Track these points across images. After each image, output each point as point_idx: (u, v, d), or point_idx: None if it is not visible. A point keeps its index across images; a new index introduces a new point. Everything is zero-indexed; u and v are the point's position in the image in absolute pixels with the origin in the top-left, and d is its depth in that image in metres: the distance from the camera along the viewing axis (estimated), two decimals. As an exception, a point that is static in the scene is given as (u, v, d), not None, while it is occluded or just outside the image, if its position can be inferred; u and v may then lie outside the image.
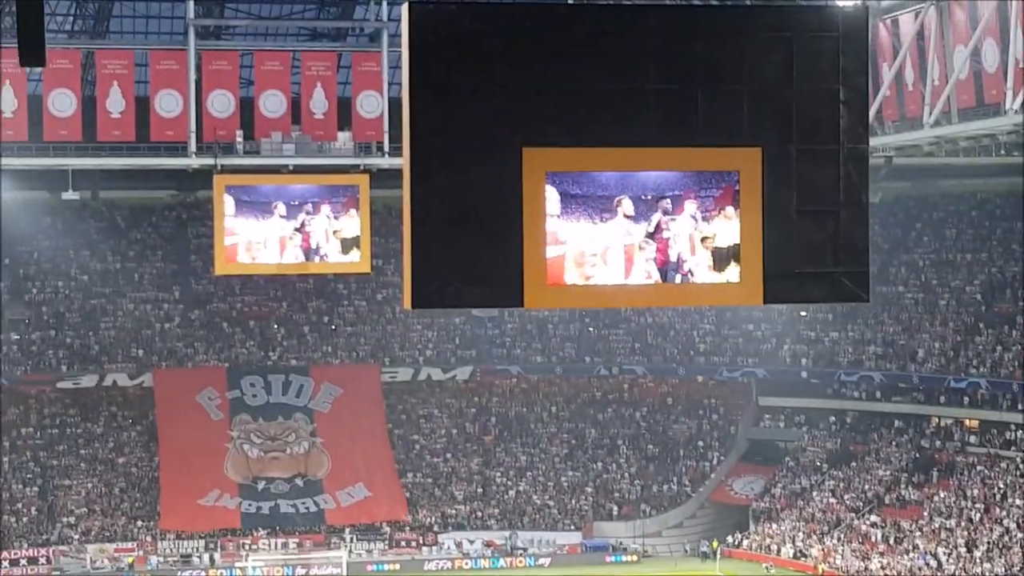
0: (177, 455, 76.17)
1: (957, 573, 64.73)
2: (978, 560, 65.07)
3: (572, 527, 77.04)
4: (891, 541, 69.63)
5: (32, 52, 14.96)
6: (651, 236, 14.03)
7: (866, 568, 67.78)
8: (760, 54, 14.07)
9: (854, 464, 77.84)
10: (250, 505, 74.82)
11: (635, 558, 74.74)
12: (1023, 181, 70.23)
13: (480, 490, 79.25)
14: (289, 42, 73.50)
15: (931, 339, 78.99)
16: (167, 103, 59.88)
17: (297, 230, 42.50)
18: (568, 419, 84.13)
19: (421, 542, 74.71)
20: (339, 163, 58.46)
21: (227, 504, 74.72)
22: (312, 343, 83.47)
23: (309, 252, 42.55)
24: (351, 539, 73.90)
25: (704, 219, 14.10)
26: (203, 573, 71.04)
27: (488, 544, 74.85)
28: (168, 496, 74.78)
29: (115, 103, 59.75)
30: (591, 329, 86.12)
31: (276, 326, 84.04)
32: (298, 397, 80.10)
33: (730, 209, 14.09)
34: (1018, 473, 70.46)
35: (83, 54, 63.43)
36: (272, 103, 61.32)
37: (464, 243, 13.59)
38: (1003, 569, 63.70)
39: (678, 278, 14.14)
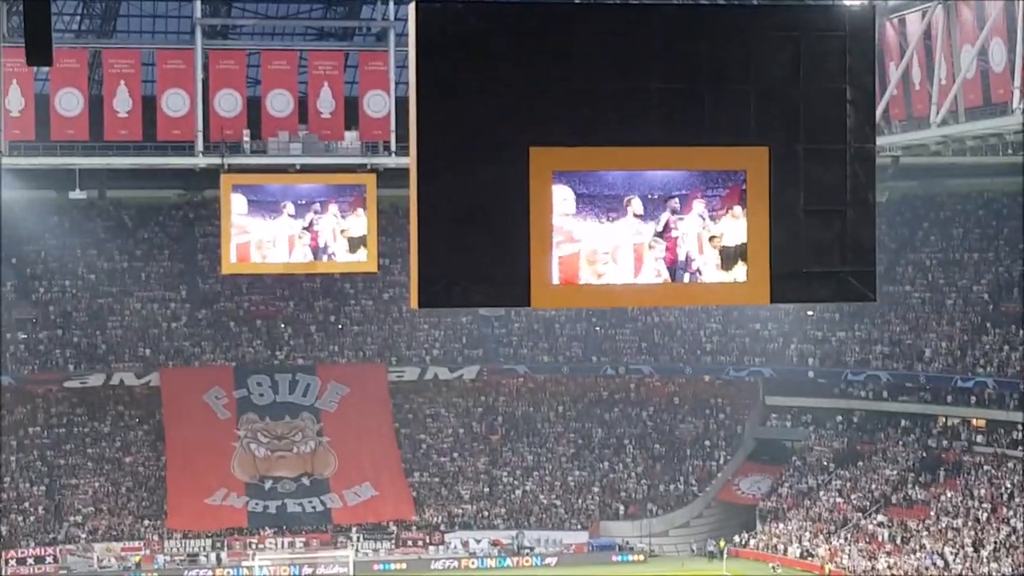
0: (184, 454, 76.21)
1: (964, 573, 64.68)
2: (985, 560, 65.01)
3: (579, 526, 77.04)
4: (898, 541, 69.57)
5: (39, 51, 14.97)
6: (660, 235, 14.05)
7: (873, 568, 67.73)
8: (767, 53, 14.07)
9: (861, 464, 77.79)
10: (257, 504, 74.86)
11: (642, 558, 74.71)
12: (1030, 181, 70.22)
13: (487, 489, 79.26)
14: (296, 41, 73.53)
15: (938, 339, 78.91)
16: (174, 102, 59.96)
17: (306, 229, 42.57)
18: (575, 418, 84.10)
19: (428, 541, 74.72)
20: (346, 162, 58.50)
21: (234, 503, 74.76)
22: (319, 342, 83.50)
23: (317, 251, 42.64)
24: (358, 538, 73.90)
25: (712, 218, 14.11)
26: (210, 572, 71.06)
27: (495, 543, 74.86)
28: (175, 495, 74.82)
29: (122, 102, 59.84)
30: (598, 329, 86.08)
31: (283, 325, 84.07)
32: (305, 396, 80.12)
33: (737, 208, 14.10)
34: (1025, 473, 70.46)
35: (90, 53, 63.55)
36: (279, 102, 61.38)
37: (471, 242, 13.60)
38: (1010, 569, 63.63)
39: (686, 277, 14.16)
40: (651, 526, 77.19)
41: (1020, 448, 72.29)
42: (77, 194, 63.62)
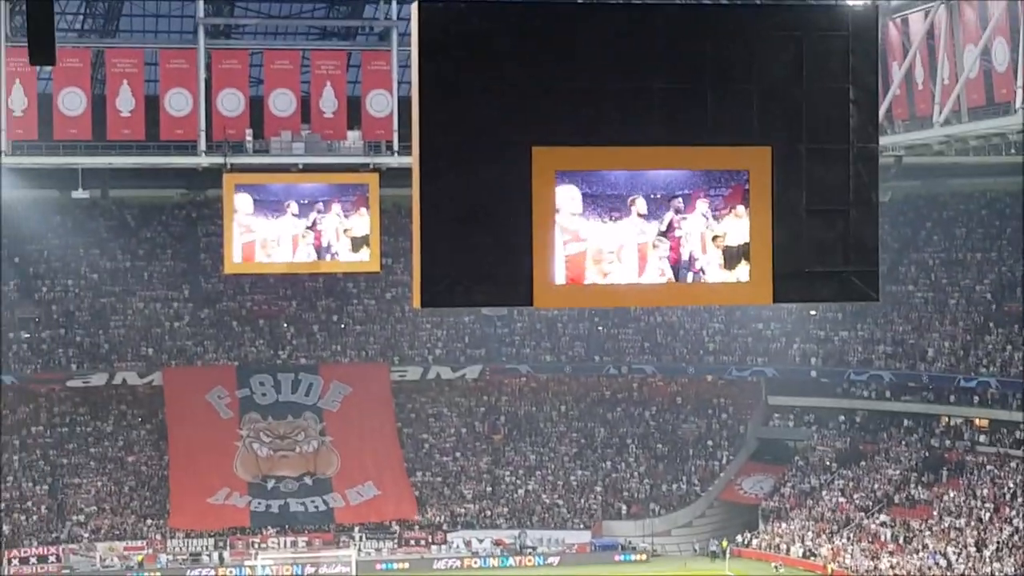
0: (186, 454, 76.26)
1: (967, 572, 64.66)
2: (988, 559, 65.00)
3: (581, 526, 77.04)
4: (901, 540, 69.57)
5: (42, 51, 14.98)
6: (664, 235, 14.05)
7: (875, 568, 67.73)
8: (770, 53, 14.06)
9: (863, 463, 77.78)
10: (259, 504, 74.89)
11: (644, 557, 74.71)
12: (1033, 180, 70.20)
13: (489, 489, 79.27)
14: (299, 41, 73.61)
15: (941, 338, 78.89)
16: (177, 102, 59.98)
17: (309, 228, 42.61)
18: (577, 418, 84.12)
19: (430, 541, 74.73)
20: (349, 162, 58.50)
21: (236, 503, 74.79)
22: (321, 342, 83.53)
23: (321, 250, 42.68)
24: (360, 538, 73.92)
25: (715, 218, 14.11)
26: (212, 571, 71.10)
27: (497, 543, 74.87)
28: (177, 494, 74.85)
29: (125, 102, 59.86)
30: (600, 328, 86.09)
31: (285, 325, 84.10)
32: (307, 396, 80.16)
33: (740, 208, 14.09)
34: (1028, 473, 70.43)
35: (93, 53, 63.57)
36: (282, 102, 61.40)
37: (473, 242, 13.59)
38: (1013, 568, 63.62)
39: (690, 276, 14.17)
40: (653, 526, 77.20)
41: (1023, 448, 72.27)
42: (80, 193, 63.74)
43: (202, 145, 59.67)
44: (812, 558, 71.45)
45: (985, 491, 70.58)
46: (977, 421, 75.90)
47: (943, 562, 66.01)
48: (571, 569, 72.54)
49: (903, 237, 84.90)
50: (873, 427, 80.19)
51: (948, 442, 76.30)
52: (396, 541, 74.50)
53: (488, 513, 77.38)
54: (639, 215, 13.97)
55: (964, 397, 76.18)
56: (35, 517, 73.64)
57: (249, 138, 60.50)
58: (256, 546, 72.51)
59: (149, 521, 74.23)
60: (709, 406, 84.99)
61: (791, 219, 14.19)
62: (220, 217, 47.76)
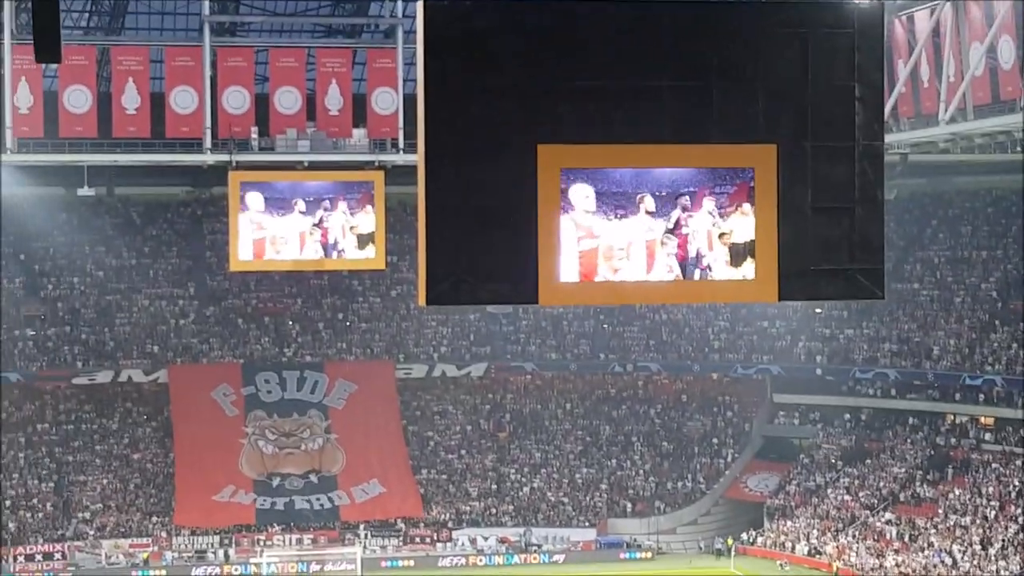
0: (192, 451, 76.27)
1: (972, 571, 64.61)
2: (993, 557, 64.95)
3: (586, 524, 77.01)
4: (906, 538, 69.52)
5: (48, 48, 14.99)
6: (671, 232, 14.07)
7: (881, 565, 67.67)
8: (775, 51, 14.06)
9: (869, 461, 77.73)
10: (265, 501, 74.90)
11: (649, 555, 74.67)
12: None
13: (494, 487, 79.27)
14: (304, 39, 73.60)
15: (946, 336, 78.82)
16: (182, 99, 60.03)
17: (316, 225, 42.72)
18: (582, 416, 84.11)
19: (435, 538, 74.73)
20: (354, 159, 58.51)
21: (242, 500, 74.80)
22: (327, 339, 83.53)
23: (328, 247, 42.79)
24: (365, 535, 73.93)
25: (721, 215, 14.12)
26: (218, 569, 71.14)
27: (502, 541, 74.84)
28: (183, 492, 74.88)
29: (130, 99, 59.91)
30: (606, 326, 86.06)
31: (291, 322, 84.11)
32: (313, 393, 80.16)
33: (747, 206, 14.10)
34: (1033, 471, 70.39)
35: (98, 50, 63.64)
36: (287, 99, 61.42)
37: (479, 240, 13.60)
38: (1018, 567, 63.56)
39: (697, 273, 14.18)
40: (659, 523, 77.18)
41: (1028, 446, 72.28)
42: (86, 191, 63.77)
43: (207, 143, 59.74)
44: (817, 556, 71.39)
45: (990, 489, 70.52)
46: (982, 419, 75.84)
47: (948, 560, 65.96)
48: (576, 567, 72.53)
49: (908, 235, 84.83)
50: (878, 425, 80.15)
51: (953, 440, 76.25)
52: (401, 539, 74.50)
53: (493, 511, 77.37)
54: (647, 212, 13.99)
55: (969, 395, 76.11)
56: (40, 514, 73.68)
57: (255, 136, 60.54)
58: (261, 544, 72.52)
59: (154, 518, 74.26)
60: (714, 404, 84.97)
61: (797, 217, 14.20)
62: (226, 214, 47.88)
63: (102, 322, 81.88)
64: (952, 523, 69.11)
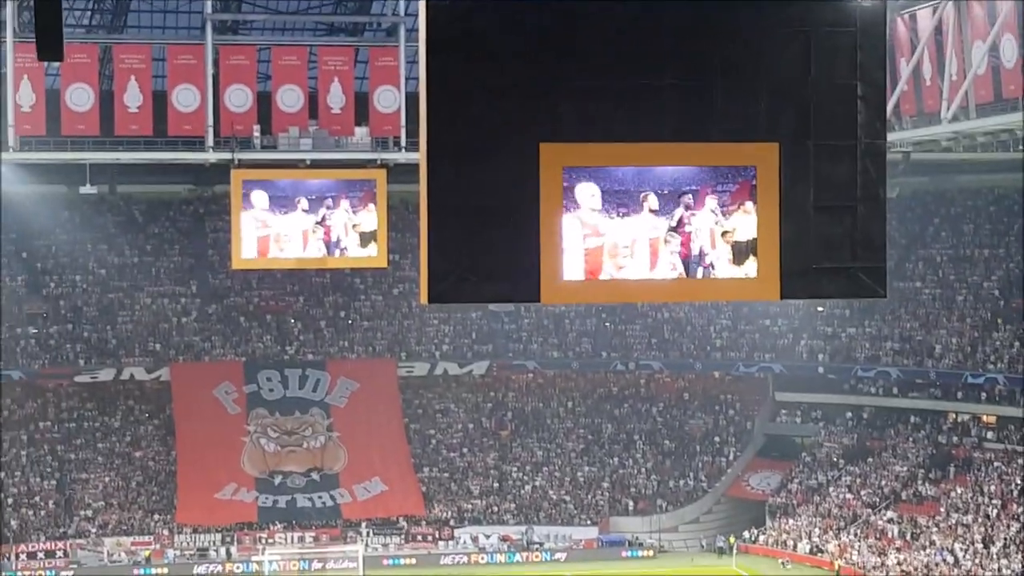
0: (194, 449, 76.29)
1: (974, 569, 64.61)
2: (995, 556, 64.95)
3: (588, 522, 77.03)
4: (908, 537, 69.51)
5: (50, 46, 14.99)
6: (674, 230, 14.08)
7: (882, 564, 67.66)
8: (778, 50, 14.06)
9: (871, 460, 77.73)
10: (267, 499, 74.93)
11: (651, 553, 74.66)
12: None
13: (496, 485, 79.28)
14: (306, 37, 73.61)
15: (948, 335, 78.80)
16: (184, 98, 60.07)
17: (319, 224, 42.77)
18: (584, 414, 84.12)
19: (437, 536, 74.74)
20: (356, 158, 58.53)
21: (244, 498, 74.83)
22: (329, 338, 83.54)
23: (330, 245, 42.86)
24: (367, 533, 73.94)
25: (724, 213, 14.13)
26: (220, 567, 71.14)
27: (504, 539, 74.86)
28: (185, 490, 74.91)
29: (132, 97, 59.96)
30: (607, 324, 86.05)
31: (293, 320, 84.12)
32: (315, 391, 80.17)
33: (749, 204, 14.12)
34: (1035, 469, 70.36)
35: (101, 48, 63.67)
36: (289, 98, 61.47)
37: (481, 238, 13.60)
38: (1020, 565, 63.55)
39: (700, 271, 14.20)
40: (660, 522, 77.17)
41: (1030, 444, 72.26)
42: (88, 189, 63.80)
43: (210, 141, 59.78)
44: (819, 554, 71.39)
45: (992, 487, 70.51)
46: (984, 417, 75.82)
47: (950, 558, 65.95)
48: (578, 565, 72.52)
49: (911, 233, 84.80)
50: (880, 423, 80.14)
51: (955, 438, 76.23)
52: (403, 537, 74.51)
53: (495, 509, 77.40)
54: (650, 211, 14.01)
55: (971, 393, 76.09)
56: (43, 512, 73.72)
57: (257, 134, 60.58)
58: (263, 541, 72.54)
59: (156, 516, 74.30)
60: (716, 402, 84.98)
61: (799, 215, 14.20)
62: (228, 213, 47.90)
63: (104, 320, 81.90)
64: (954, 521, 69.11)
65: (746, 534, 75.40)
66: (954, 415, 77.41)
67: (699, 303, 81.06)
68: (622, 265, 14.04)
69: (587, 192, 13.88)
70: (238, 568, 70.89)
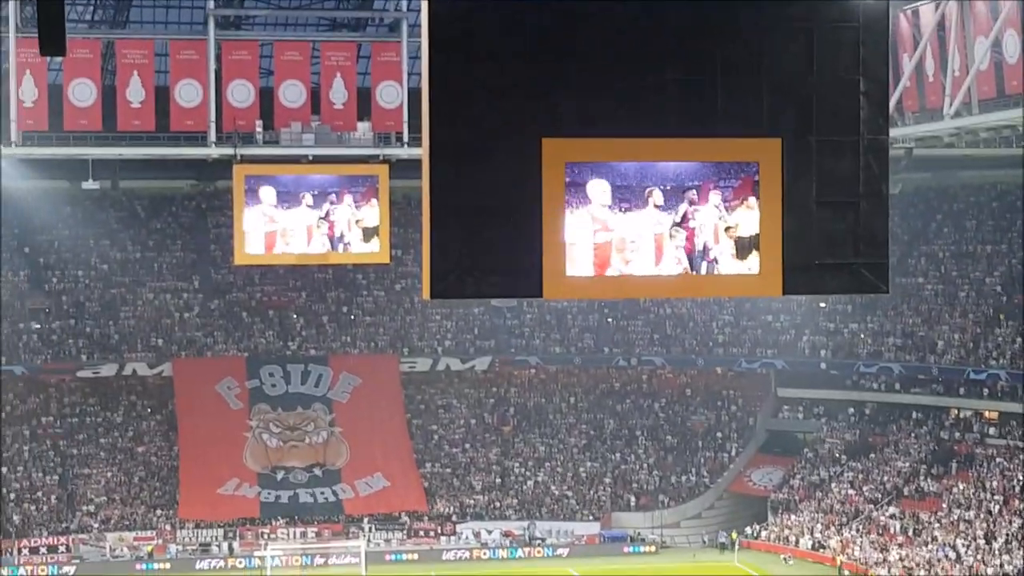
0: (196, 444, 76.36)
1: (976, 565, 64.63)
2: (997, 552, 64.97)
3: (590, 518, 77.09)
4: (910, 533, 69.55)
5: (52, 41, 14.99)
6: (679, 225, 14.09)
7: (884, 560, 67.70)
8: (780, 45, 14.05)
9: (873, 456, 77.75)
10: (269, 494, 74.99)
11: (653, 549, 74.73)
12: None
13: (498, 480, 79.33)
14: (309, 32, 73.58)
15: (951, 331, 78.79)
16: (187, 93, 60.08)
17: (323, 219, 42.80)
18: (587, 410, 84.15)
19: (439, 532, 74.81)
20: (358, 153, 58.55)
21: (246, 493, 74.91)
22: (331, 333, 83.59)
23: (334, 240, 42.90)
24: (369, 529, 74.01)
25: (727, 209, 14.13)
26: (222, 562, 71.21)
27: (506, 534, 74.90)
28: (187, 485, 74.98)
29: (135, 93, 59.96)
30: (610, 320, 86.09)
31: (295, 316, 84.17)
32: (317, 387, 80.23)
33: (752, 199, 14.11)
34: (1037, 465, 70.38)
35: (103, 44, 63.66)
36: (292, 93, 61.47)
37: (483, 234, 13.60)
38: (1022, 561, 63.58)
39: (704, 266, 14.21)
40: (663, 517, 77.21)
41: (1032, 440, 72.25)
42: (90, 184, 63.78)
43: (212, 136, 59.78)
44: (821, 550, 71.44)
45: (994, 483, 70.53)
46: (987, 413, 75.86)
47: (952, 554, 65.97)
48: (580, 560, 72.56)
49: (913, 229, 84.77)
50: (883, 419, 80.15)
51: (957, 434, 76.25)
52: (405, 532, 74.58)
53: (497, 504, 77.44)
54: (656, 206, 14.02)
55: (974, 389, 76.11)
56: (45, 507, 73.80)
57: (259, 129, 60.59)
58: (265, 537, 72.62)
59: (159, 511, 74.38)
60: (718, 398, 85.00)
61: (801, 211, 14.19)
62: (230, 208, 47.87)
63: (106, 315, 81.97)
64: (956, 517, 69.13)
65: (748, 530, 75.45)
66: (956, 411, 77.45)
67: (701, 299, 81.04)
68: (629, 260, 14.06)
69: (599, 188, 13.91)
70: (240, 563, 70.96)
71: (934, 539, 67.90)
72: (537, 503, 77.74)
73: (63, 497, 74.78)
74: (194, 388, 78.88)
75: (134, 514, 74.09)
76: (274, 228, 42.49)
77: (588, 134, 13.76)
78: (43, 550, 70.63)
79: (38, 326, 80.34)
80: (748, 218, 14.14)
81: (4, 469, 74.46)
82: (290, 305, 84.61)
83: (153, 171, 77.98)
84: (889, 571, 66.68)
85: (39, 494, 74.45)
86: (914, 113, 54.73)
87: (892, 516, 71.66)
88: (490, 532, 74.84)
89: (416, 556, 72.84)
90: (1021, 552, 64.21)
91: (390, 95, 61.54)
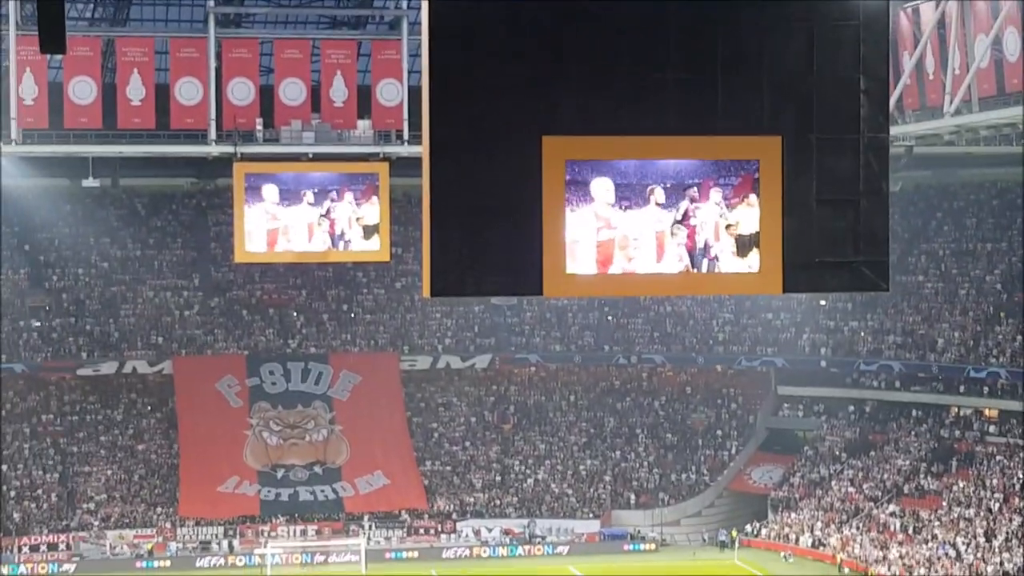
0: (196, 442, 76.34)
1: (976, 563, 64.62)
2: (997, 550, 64.96)
3: (590, 515, 77.07)
4: (910, 531, 69.54)
5: (52, 39, 14.99)
6: (680, 223, 14.10)
7: (884, 558, 67.69)
8: (781, 43, 14.06)
9: (873, 453, 77.74)
10: (269, 492, 74.99)
11: (653, 547, 74.72)
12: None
13: (498, 478, 79.32)
14: (309, 30, 73.48)
15: (951, 329, 78.78)
16: (187, 91, 60.08)
17: (324, 216, 42.82)
18: (587, 408, 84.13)
19: (439, 530, 74.80)
20: (358, 151, 58.55)
21: (246, 491, 74.90)
22: (331, 331, 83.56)
23: (335, 238, 42.93)
24: (369, 526, 74.01)
25: (728, 206, 14.14)
26: (222, 559, 71.20)
27: (506, 532, 74.91)
28: (187, 483, 74.96)
29: (135, 91, 59.98)
30: (610, 318, 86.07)
31: (295, 314, 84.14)
32: (317, 385, 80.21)
33: (753, 197, 14.12)
34: (1037, 463, 70.37)
35: (103, 41, 63.69)
36: (292, 91, 61.47)
37: (483, 232, 13.61)
38: (1022, 559, 63.56)
39: (705, 264, 14.21)
40: (663, 515, 77.19)
41: (1032, 438, 72.24)
42: (90, 182, 63.77)
43: (212, 134, 59.80)
44: (821, 548, 71.45)
45: (994, 481, 70.51)
46: (987, 411, 75.84)
47: (952, 552, 65.98)
48: (580, 558, 72.55)
49: (913, 227, 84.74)
50: (883, 417, 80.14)
51: (958, 432, 76.23)
52: (405, 530, 74.56)
53: (497, 502, 77.44)
54: (657, 204, 14.03)
55: (974, 387, 76.09)
56: (45, 505, 73.79)
57: (259, 127, 60.59)
58: (266, 535, 72.61)
59: (159, 509, 74.37)
60: (718, 396, 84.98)
61: (801, 209, 14.20)
62: (230, 206, 47.88)
63: (107, 313, 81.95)
64: (956, 515, 69.12)
65: (748, 528, 75.45)
66: (956, 409, 77.44)
67: (702, 296, 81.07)
68: (632, 257, 14.07)
69: (602, 186, 13.93)
70: (240, 561, 70.96)
71: (934, 537, 67.90)
72: (537, 501, 77.74)
73: (63, 495, 74.78)
74: (194, 386, 78.86)
75: (134, 512, 74.09)
76: (276, 225, 42.55)
77: (588, 132, 13.77)
78: (43, 548, 70.63)
79: (38, 324, 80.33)
80: (749, 216, 14.15)
81: (4, 467, 74.48)
82: (290, 303, 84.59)
83: (153, 169, 78.01)
84: (889, 569, 66.69)
85: (39, 492, 74.46)
86: (914, 111, 54.72)
87: (892, 514, 71.66)
88: (490, 530, 74.85)
89: (416, 554, 72.83)
90: (1021, 550, 64.20)
91: (390, 93, 61.54)
